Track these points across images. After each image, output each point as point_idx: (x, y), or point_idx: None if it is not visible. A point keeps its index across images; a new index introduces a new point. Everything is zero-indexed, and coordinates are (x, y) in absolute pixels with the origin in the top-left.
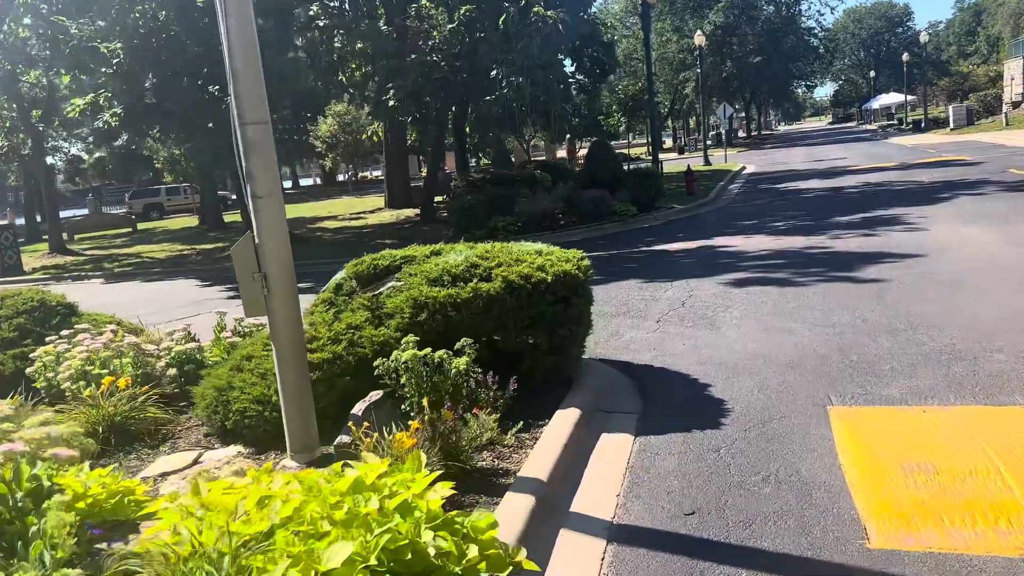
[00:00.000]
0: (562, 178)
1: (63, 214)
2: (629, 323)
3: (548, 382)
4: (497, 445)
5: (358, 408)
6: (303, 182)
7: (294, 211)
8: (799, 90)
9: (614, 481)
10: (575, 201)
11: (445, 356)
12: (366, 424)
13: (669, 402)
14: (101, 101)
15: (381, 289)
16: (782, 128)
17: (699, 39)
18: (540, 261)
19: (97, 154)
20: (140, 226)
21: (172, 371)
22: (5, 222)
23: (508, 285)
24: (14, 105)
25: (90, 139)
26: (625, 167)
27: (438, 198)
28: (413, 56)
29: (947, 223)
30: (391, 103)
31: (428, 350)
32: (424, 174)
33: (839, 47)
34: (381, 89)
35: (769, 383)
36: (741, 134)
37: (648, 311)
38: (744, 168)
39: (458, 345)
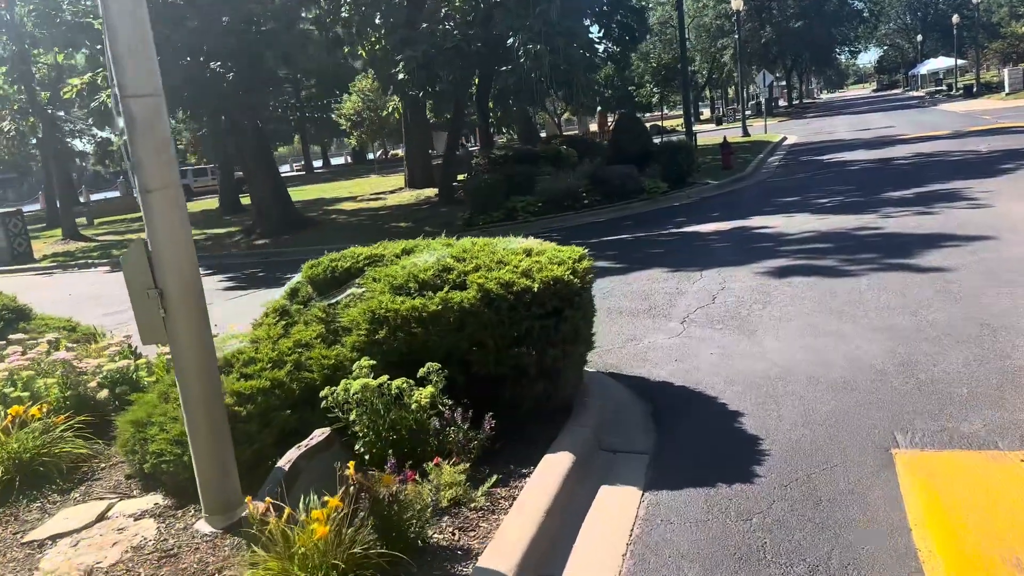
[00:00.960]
0: (589, 153)
1: (95, 197)
2: (649, 324)
3: (539, 411)
4: (464, 506)
5: (286, 459)
6: (335, 161)
7: (316, 192)
8: (842, 56)
9: (610, 567)
10: (600, 178)
11: (405, 386)
12: (300, 478)
13: (689, 439)
14: (99, 81)
15: (339, 297)
16: (824, 96)
17: (736, 3)
18: (527, 264)
19: (126, 137)
20: None
21: (104, 393)
22: (10, 209)
23: (485, 295)
24: (22, 87)
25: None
26: (657, 140)
27: (461, 176)
28: (425, 25)
29: (1015, 198)
30: (400, 76)
31: (385, 378)
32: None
33: (884, 10)
34: (391, 61)
35: (816, 412)
36: (781, 103)
37: (672, 308)
38: (785, 139)
39: (422, 372)
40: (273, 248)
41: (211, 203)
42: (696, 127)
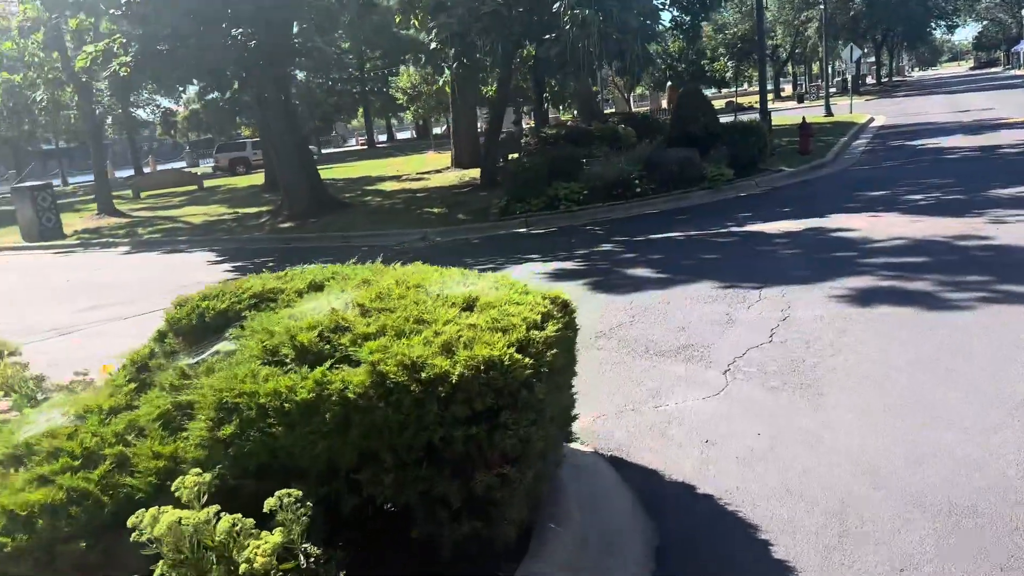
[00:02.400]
0: (651, 133)
1: (161, 168)
2: (680, 372)
3: (472, 554)
4: None
5: None
6: (402, 136)
7: (364, 169)
8: (937, 31)
9: None
10: (656, 162)
11: (234, 531)
12: None
13: None
14: (116, 48)
15: (204, 354)
16: (915, 74)
17: None
18: (453, 330)
19: (192, 107)
20: (214, 183)
21: None
22: (39, 183)
23: (379, 380)
24: (55, 54)
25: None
26: (729, 119)
27: (512, 155)
28: None
29: None
30: (432, 45)
31: (208, 512)
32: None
33: None
34: (427, 29)
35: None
36: (869, 81)
37: (716, 346)
38: (872, 120)
39: (270, 505)
40: (296, 233)
41: (259, 178)
42: (775, 105)
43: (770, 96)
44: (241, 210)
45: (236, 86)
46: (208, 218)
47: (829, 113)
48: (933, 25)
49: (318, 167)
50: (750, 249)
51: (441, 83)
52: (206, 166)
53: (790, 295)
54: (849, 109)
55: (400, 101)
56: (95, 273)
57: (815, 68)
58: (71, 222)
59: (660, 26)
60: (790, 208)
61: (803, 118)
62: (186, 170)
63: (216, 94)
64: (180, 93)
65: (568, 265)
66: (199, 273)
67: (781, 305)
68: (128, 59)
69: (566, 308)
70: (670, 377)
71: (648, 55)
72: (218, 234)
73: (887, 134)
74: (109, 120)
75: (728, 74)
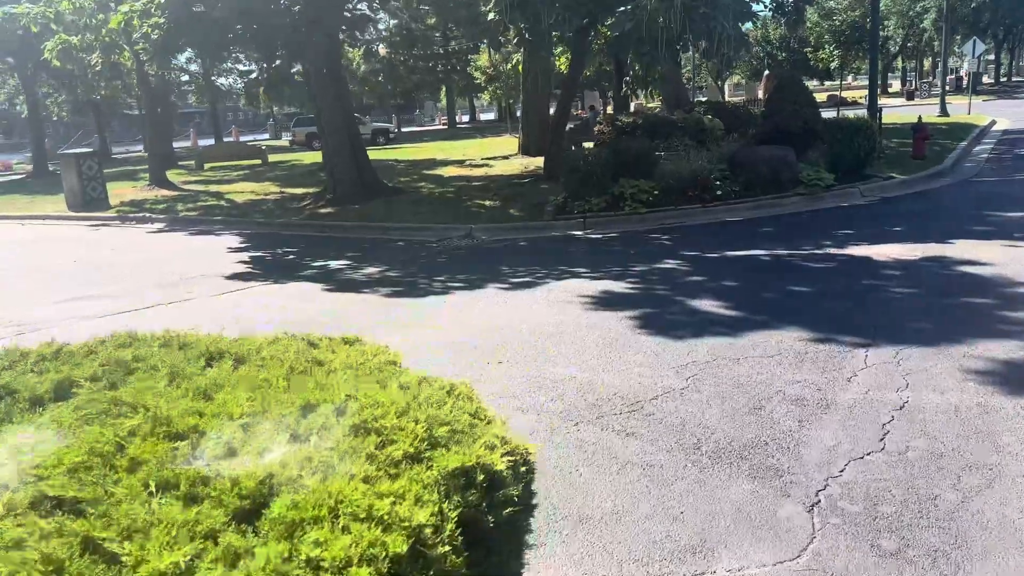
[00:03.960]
0: (742, 126)
1: (243, 138)
2: (743, 497)
3: None
4: None
5: None
6: (486, 117)
7: (432, 151)
8: None
9: None
10: (743, 161)
11: None
12: None
13: None
14: (153, 8)
15: None
16: None
17: None
18: None
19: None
20: (281, 157)
21: None
22: (85, 150)
23: None
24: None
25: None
26: (831, 114)
27: (588, 144)
28: None
29: None
30: (489, 15)
31: None
32: (581, 112)
33: None
34: None
35: None
36: (987, 80)
37: (799, 452)
38: (994, 123)
39: None
40: (334, 220)
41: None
42: (883, 101)
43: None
44: (289, 190)
45: (280, 55)
46: (254, 196)
47: (944, 113)
48: None
49: (393, 146)
50: (852, 282)
51: (514, 62)
52: (288, 139)
53: (908, 362)
54: (967, 109)
55: (479, 81)
56: (110, 254)
57: (927, 64)
58: (122, 192)
59: (757, 5)
60: (902, 227)
61: (919, 117)
62: (253, 143)
63: (262, 65)
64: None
65: (618, 286)
66: (212, 262)
67: (896, 379)
68: (161, 20)
69: (517, 475)
70: (726, 508)
71: (742, 36)
72: (255, 216)
73: (1014, 139)
74: (192, 88)
75: (833, 65)
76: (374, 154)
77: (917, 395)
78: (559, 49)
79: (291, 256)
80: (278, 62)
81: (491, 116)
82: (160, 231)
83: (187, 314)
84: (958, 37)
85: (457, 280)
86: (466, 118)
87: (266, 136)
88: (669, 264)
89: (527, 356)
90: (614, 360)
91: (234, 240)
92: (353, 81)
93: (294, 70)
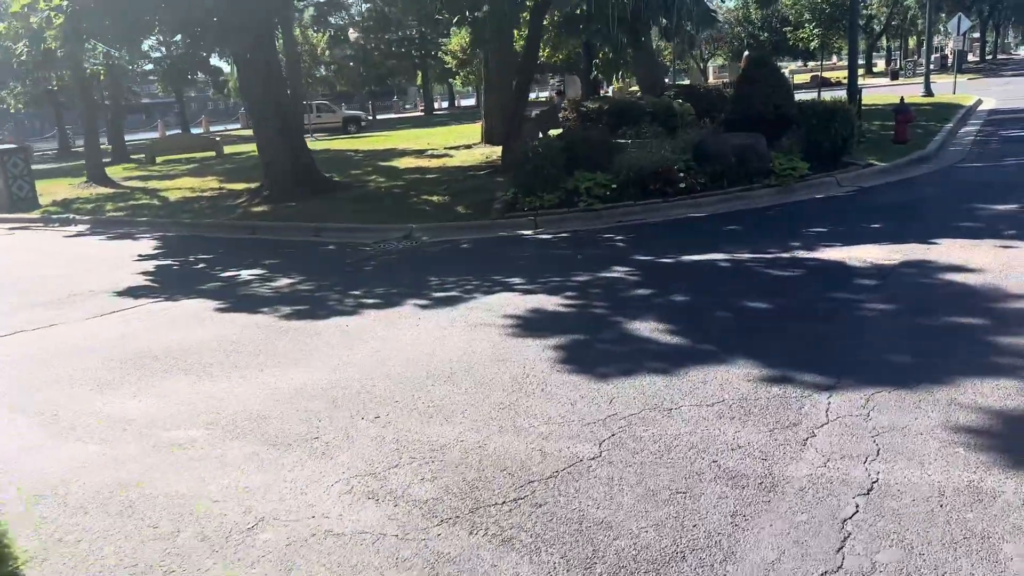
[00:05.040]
0: (715, 111)
1: (215, 128)
2: None
3: None
4: None
5: None
6: (467, 103)
7: (392, 140)
8: None
9: None
10: (710, 150)
11: None
12: None
13: None
14: None
15: None
16: (1023, 52)
17: None
18: None
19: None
20: (237, 149)
21: None
22: (11, 146)
23: None
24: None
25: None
26: (811, 96)
27: (555, 132)
28: None
29: None
30: None
31: None
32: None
33: None
34: None
35: None
36: (972, 58)
37: (732, 568)
38: (980, 103)
39: None
40: (266, 220)
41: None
42: (866, 81)
43: (861, 72)
44: (231, 186)
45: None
46: (190, 194)
47: (929, 93)
48: None
49: (363, 135)
50: (820, 295)
51: (467, 44)
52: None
53: (880, 415)
54: (952, 89)
55: (449, 65)
56: (3, 264)
57: (911, 42)
58: (55, 190)
59: None
60: (881, 223)
61: (901, 98)
62: (208, 135)
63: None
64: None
65: (551, 303)
66: (112, 273)
67: (864, 442)
68: (63, 1)
69: None
70: None
71: (707, 13)
72: (183, 216)
73: (1000, 121)
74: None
75: (813, 44)
76: (336, 143)
77: (890, 469)
78: (520, 31)
79: (202, 265)
80: (202, 48)
81: (472, 102)
82: (79, 235)
83: (41, 345)
84: (943, 15)
85: (374, 295)
86: (446, 104)
87: (238, 126)
88: (616, 272)
89: (412, 407)
90: (518, 413)
91: (149, 246)
92: (316, 66)
93: (225, 56)
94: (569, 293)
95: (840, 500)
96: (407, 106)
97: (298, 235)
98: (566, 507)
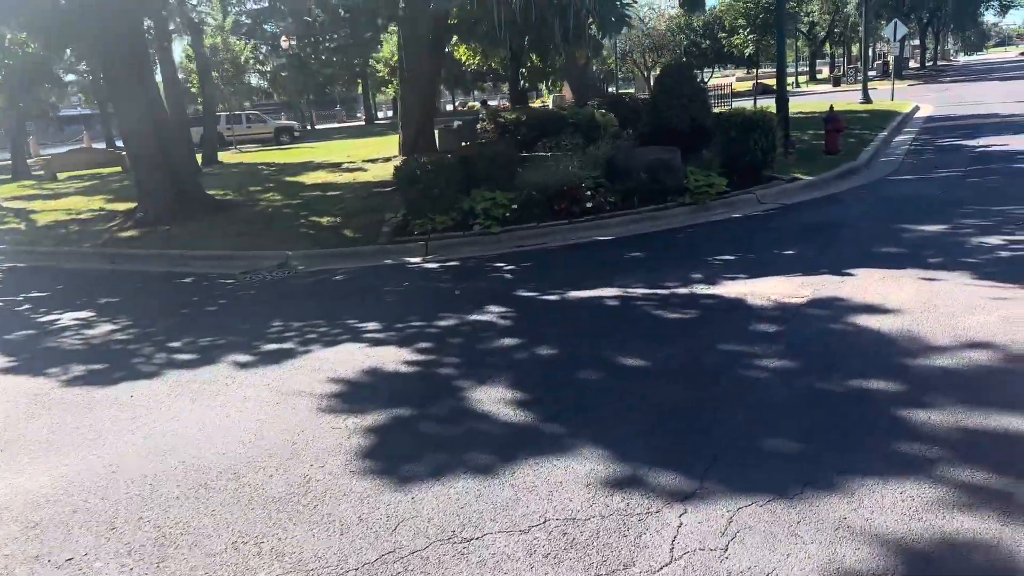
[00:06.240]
0: (638, 121)
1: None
2: None
3: None
4: None
5: None
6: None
7: (312, 153)
8: (987, 13)
9: None
10: (621, 166)
11: None
12: None
13: None
14: None
15: None
16: (961, 59)
17: None
18: None
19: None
20: None
21: None
22: None
23: None
24: None
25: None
26: (745, 105)
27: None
28: None
29: None
30: None
31: None
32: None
33: None
34: None
35: None
36: (913, 65)
37: None
38: (917, 109)
39: None
40: (132, 247)
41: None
42: (809, 88)
43: (804, 78)
44: (115, 206)
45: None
46: (65, 216)
47: (867, 99)
48: (984, 5)
49: (291, 146)
50: (706, 349)
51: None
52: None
53: (742, 548)
54: (891, 95)
55: (381, 74)
56: None
57: (855, 49)
58: None
59: None
60: (796, 248)
61: (831, 107)
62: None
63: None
64: None
65: (396, 358)
66: None
67: None
68: None
69: None
70: None
71: (617, 16)
72: (45, 243)
73: (937, 128)
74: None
75: (748, 50)
76: (257, 156)
77: None
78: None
79: (26, 306)
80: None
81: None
82: None
83: None
84: (883, 22)
85: (194, 348)
86: (391, 113)
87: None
88: (488, 315)
89: (127, 542)
90: (262, 552)
91: None
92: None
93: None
94: (423, 344)
95: None
96: (358, 115)
97: (160, 265)
98: None
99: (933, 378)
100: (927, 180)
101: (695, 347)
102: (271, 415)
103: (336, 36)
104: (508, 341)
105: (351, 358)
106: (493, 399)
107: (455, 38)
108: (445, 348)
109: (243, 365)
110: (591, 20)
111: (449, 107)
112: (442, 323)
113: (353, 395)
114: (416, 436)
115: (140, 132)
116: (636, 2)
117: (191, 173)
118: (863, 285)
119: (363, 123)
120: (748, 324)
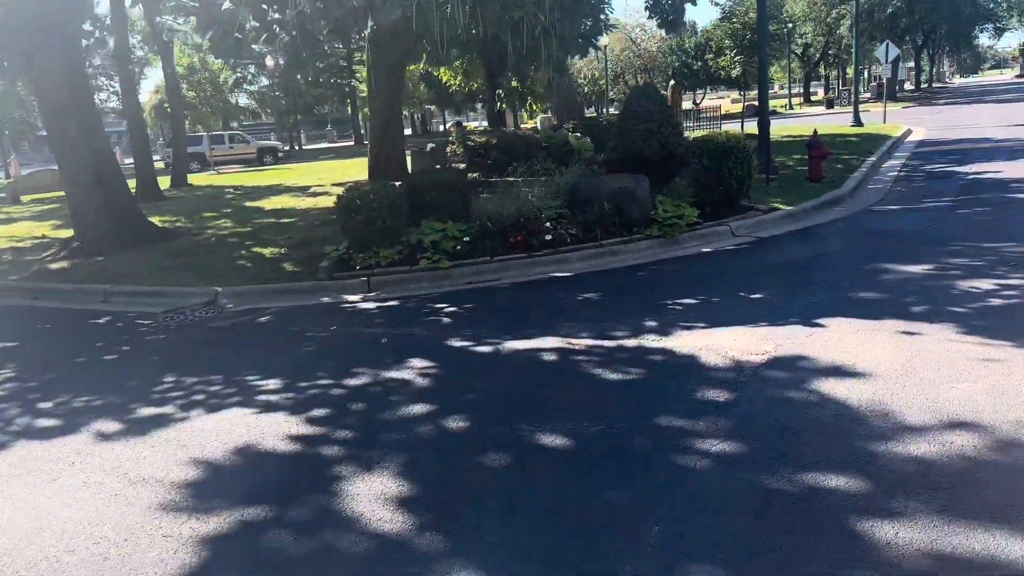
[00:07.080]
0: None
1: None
2: None
3: None
4: None
5: None
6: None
7: (283, 176)
8: (983, 35)
9: None
10: (585, 195)
11: None
12: None
13: None
14: None
15: None
16: (957, 81)
17: None
18: None
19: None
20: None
21: None
22: None
23: None
24: None
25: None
26: (735, 128)
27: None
28: None
29: None
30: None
31: None
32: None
33: None
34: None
35: None
36: (908, 86)
37: None
38: (909, 133)
39: None
40: (58, 281)
41: (197, 178)
42: (803, 110)
43: (797, 100)
44: (59, 233)
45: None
46: (4, 244)
47: (858, 122)
48: (980, 27)
49: (272, 167)
50: (644, 424)
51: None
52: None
53: None
54: (883, 118)
55: (364, 93)
56: None
57: (849, 71)
58: None
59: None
60: (764, 292)
61: (814, 131)
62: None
63: None
64: None
65: (280, 432)
66: None
67: None
68: None
69: None
70: None
71: (583, 36)
72: None
73: (928, 153)
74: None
75: (736, 72)
76: (231, 178)
77: None
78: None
79: None
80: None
81: (408, 131)
82: None
83: None
84: (876, 43)
85: (64, 409)
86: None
87: (157, 157)
88: (408, 371)
89: None
90: None
91: None
92: (221, 95)
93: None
94: (318, 412)
95: None
96: (348, 134)
97: (82, 302)
98: None
99: (905, 474)
100: (914, 211)
101: (630, 421)
102: (101, 511)
103: (320, 54)
104: (416, 409)
105: (230, 429)
106: (371, 495)
107: (424, 57)
108: (341, 417)
109: (104, 437)
110: (551, 39)
111: (441, 127)
112: (352, 381)
113: (207, 486)
114: (257, 553)
115: (72, 158)
116: (607, 20)
117: (130, 200)
118: (833, 339)
119: (352, 143)
120: (696, 390)
